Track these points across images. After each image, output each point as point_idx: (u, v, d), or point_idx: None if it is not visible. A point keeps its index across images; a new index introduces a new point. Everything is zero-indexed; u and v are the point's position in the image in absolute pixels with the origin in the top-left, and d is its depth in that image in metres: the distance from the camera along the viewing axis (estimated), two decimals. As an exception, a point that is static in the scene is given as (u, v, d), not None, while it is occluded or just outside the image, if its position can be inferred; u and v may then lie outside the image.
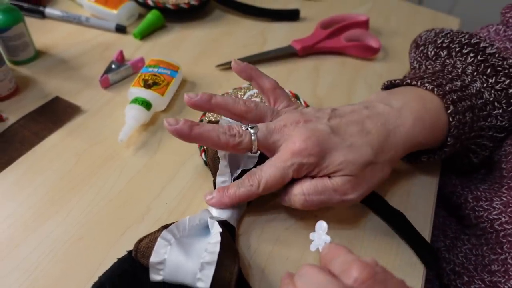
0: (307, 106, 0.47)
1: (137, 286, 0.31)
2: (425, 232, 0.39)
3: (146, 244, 0.32)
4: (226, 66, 0.56)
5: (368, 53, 0.61)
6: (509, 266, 0.38)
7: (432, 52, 0.46)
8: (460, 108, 0.38)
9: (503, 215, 0.39)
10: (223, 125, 0.36)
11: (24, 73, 0.53)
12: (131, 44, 0.59)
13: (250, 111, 0.38)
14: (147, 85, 0.47)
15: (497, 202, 0.40)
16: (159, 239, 0.31)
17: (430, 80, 0.40)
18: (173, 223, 0.33)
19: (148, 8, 0.62)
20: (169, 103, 0.50)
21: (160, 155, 0.44)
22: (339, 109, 0.38)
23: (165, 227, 0.33)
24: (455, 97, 0.38)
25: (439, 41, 0.46)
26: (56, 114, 0.48)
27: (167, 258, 0.30)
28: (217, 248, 0.30)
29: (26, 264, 0.34)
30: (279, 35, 0.65)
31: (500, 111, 0.40)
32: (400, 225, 0.39)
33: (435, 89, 0.39)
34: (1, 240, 0.36)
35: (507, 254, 0.38)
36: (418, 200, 0.42)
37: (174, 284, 0.31)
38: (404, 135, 0.37)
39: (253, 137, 0.35)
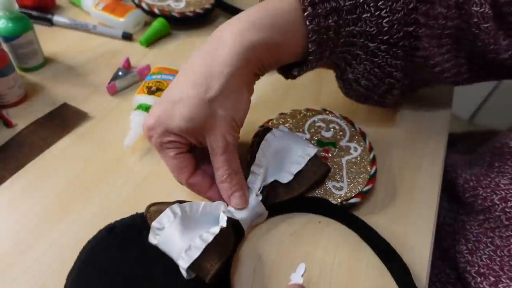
0: (371, 148, 0.45)
1: (140, 240, 0.34)
2: (427, 239, 0.40)
3: (156, 209, 0.34)
4: (230, 73, 0.57)
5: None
6: None
7: None
8: (320, 11, 0.35)
9: None
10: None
11: (32, 80, 0.54)
12: (138, 51, 0.60)
13: None
14: (150, 92, 0.48)
15: None
16: (167, 209, 0.34)
17: None
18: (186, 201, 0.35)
19: (154, 16, 0.63)
20: (174, 109, 0.51)
21: (166, 161, 0.45)
22: None
23: (180, 202, 0.35)
24: None
25: None
26: (64, 120, 0.48)
27: (166, 227, 0.33)
28: (210, 238, 0.32)
29: (35, 268, 0.35)
30: (283, 42, 0.65)
31: (368, 15, 0.37)
32: (372, 239, 0.38)
33: None
34: (11, 245, 0.37)
35: None
36: (420, 207, 0.43)
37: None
38: (228, 51, 0.34)
39: None
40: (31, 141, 0.46)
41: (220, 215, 0.35)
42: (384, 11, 0.36)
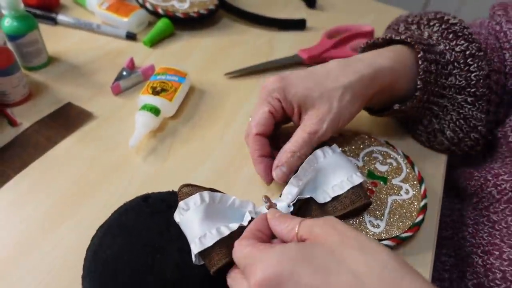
0: (425, 196, 0.41)
1: (167, 215, 0.36)
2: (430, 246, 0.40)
3: (189, 190, 0.36)
4: (234, 75, 0.57)
5: (374, 63, 0.61)
6: None
7: (403, 27, 0.51)
8: (428, 56, 0.43)
9: None
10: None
11: (37, 79, 0.54)
12: (141, 51, 0.61)
13: None
14: (155, 92, 0.49)
15: None
16: (197, 194, 0.35)
17: (403, 34, 0.45)
18: (219, 192, 0.37)
19: (158, 16, 0.63)
20: (178, 109, 0.51)
21: (170, 161, 0.45)
22: None
23: (212, 190, 0.36)
24: (424, 47, 0.43)
25: (409, 19, 0.51)
26: (68, 119, 0.49)
27: (190, 210, 0.34)
28: (226, 232, 0.33)
29: (39, 268, 0.35)
30: (286, 44, 0.66)
31: (458, 70, 0.44)
32: None
33: (408, 38, 0.44)
34: (15, 245, 0.37)
35: None
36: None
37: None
38: (364, 64, 0.41)
39: None
40: (35, 140, 0.46)
41: (245, 214, 0.35)
42: (473, 66, 0.43)
